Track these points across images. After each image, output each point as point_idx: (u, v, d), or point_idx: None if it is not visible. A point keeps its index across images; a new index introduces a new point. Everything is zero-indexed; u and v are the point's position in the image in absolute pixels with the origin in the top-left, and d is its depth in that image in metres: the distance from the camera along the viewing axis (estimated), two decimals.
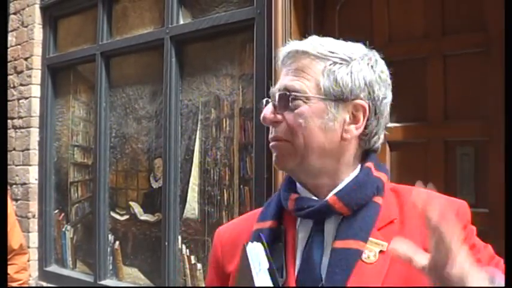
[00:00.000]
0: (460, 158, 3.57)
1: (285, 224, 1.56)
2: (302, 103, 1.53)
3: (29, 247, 5.75)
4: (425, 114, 3.70)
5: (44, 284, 6.00)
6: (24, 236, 5.14)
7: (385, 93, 1.59)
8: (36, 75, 6.15)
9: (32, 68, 6.13)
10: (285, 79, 1.59)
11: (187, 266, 4.78)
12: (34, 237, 6.08)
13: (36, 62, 6.15)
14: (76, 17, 6.02)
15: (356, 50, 1.64)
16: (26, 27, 6.26)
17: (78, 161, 5.91)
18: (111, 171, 5.56)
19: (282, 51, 1.65)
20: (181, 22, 4.88)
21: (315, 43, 1.65)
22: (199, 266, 4.67)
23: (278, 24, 3.98)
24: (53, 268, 6.06)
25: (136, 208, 5.28)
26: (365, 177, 1.53)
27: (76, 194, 5.92)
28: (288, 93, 1.55)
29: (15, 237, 3.71)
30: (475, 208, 3.45)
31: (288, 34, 3.99)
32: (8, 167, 5.97)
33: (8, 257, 3.58)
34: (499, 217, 3.32)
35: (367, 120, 1.54)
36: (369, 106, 1.54)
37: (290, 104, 1.54)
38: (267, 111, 1.60)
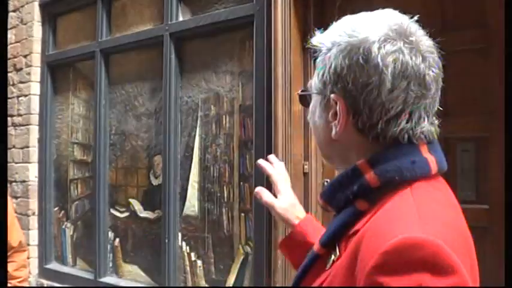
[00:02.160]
0: (460, 154, 3.57)
1: None
2: (309, 100, 1.48)
3: (29, 245, 5.75)
4: None
5: (44, 282, 6.00)
6: (24, 234, 5.14)
7: (368, 79, 1.29)
8: (36, 73, 6.14)
9: (31, 66, 6.13)
10: None
11: (187, 263, 4.78)
12: (34, 235, 6.07)
13: (36, 59, 6.15)
14: (75, 14, 6.01)
15: (346, 32, 1.39)
16: (25, 24, 6.25)
17: (77, 159, 5.91)
18: (110, 169, 5.55)
19: None
20: (181, 19, 4.88)
21: (326, 32, 1.45)
22: (199, 263, 4.67)
23: (278, 20, 3.97)
24: (53, 265, 6.06)
25: (136, 205, 5.27)
26: (345, 175, 1.35)
27: (76, 192, 5.91)
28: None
29: (14, 234, 3.71)
30: (475, 204, 3.47)
31: (288, 31, 3.98)
32: (8, 164, 5.97)
33: (7, 254, 3.58)
34: (499, 213, 3.32)
35: (354, 114, 1.32)
36: (345, 99, 1.33)
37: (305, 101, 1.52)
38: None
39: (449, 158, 3.73)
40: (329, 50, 1.36)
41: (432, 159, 1.34)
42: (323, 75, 1.36)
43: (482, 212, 3.43)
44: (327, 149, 1.45)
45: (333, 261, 1.29)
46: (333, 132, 1.36)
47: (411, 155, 1.31)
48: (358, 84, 1.30)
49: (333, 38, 1.37)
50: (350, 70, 1.31)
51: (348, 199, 1.32)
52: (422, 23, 3.87)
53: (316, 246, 1.38)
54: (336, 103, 1.34)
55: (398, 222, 1.16)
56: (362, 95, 1.30)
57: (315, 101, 1.43)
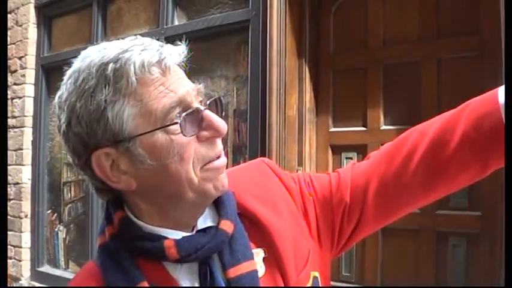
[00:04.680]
0: None
1: (154, 279, 1.20)
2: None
3: (21, 247, 5.75)
4: (418, 117, 3.69)
5: (36, 285, 5.98)
6: (17, 236, 5.11)
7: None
8: (30, 75, 6.14)
9: (26, 68, 6.12)
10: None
11: None
12: (26, 237, 6.06)
13: (30, 61, 6.14)
14: (71, 17, 6.01)
15: None
16: (20, 26, 6.25)
17: (71, 161, 5.89)
18: None
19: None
20: (176, 23, 4.88)
21: None
22: None
23: (273, 26, 3.98)
24: (45, 268, 6.04)
25: None
26: None
27: (69, 194, 5.90)
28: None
29: None
30: (468, 211, 3.48)
31: (283, 36, 3.99)
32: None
33: None
34: (492, 220, 3.33)
35: None
36: None
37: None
38: None
39: None
40: None
41: None
42: None
43: (474, 219, 3.44)
44: None
45: (263, 259, 1.27)
46: None
47: None
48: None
49: None
50: None
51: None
52: (418, 30, 3.90)
53: (249, 266, 1.24)
54: None
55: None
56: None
57: None
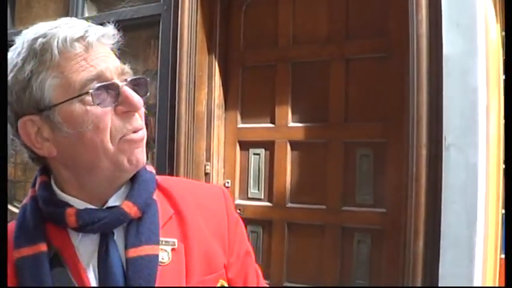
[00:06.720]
0: (359, 158, 3.67)
1: (57, 244, 1.28)
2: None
3: None
4: (326, 115, 3.78)
5: None
6: None
7: None
8: None
9: None
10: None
11: None
12: None
13: None
14: None
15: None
16: None
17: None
18: (10, 164, 5.42)
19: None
20: (86, 15, 4.82)
21: None
22: None
23: (184, 21, 3.98)
24: None
25: None
26: (147, 173, 1.38)
27: None
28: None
29: None
30: (372, 208, 3.58)
31: (194, 32, 4.00)
32: None
33: None
34: (396, 216, 3.43)
35: None
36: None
37: None
38: None
39: (349, 162, 3.84)
40: None
41: None
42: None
43: (379, 215, 3.53)
44: None
45: (172, 249, 1.34)
46: None
47: None
48: None
49: None
50: None
51: (151, 196, 1.37)
52: (327, 30, 3.96)
53: (149, 249, 1.31)
54: None
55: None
56: None
57: None
